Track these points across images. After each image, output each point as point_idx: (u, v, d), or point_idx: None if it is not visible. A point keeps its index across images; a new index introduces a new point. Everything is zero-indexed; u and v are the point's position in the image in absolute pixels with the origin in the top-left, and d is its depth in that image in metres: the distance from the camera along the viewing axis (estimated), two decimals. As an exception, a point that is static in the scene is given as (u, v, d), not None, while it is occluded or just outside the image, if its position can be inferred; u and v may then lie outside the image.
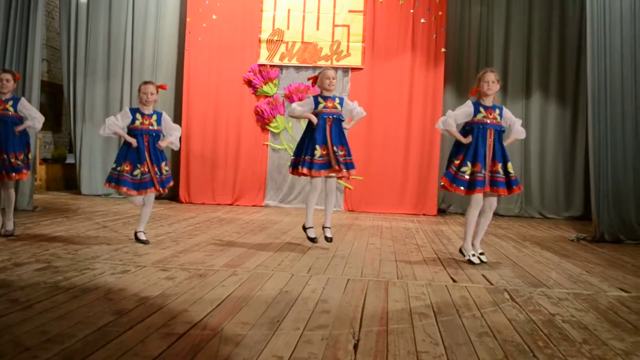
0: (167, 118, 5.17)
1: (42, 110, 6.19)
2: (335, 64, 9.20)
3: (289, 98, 9.28)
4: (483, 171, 4.59)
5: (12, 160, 5.15)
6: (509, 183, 4.64)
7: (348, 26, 9.23)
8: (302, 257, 4.79)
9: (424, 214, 9.00)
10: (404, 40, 9.18)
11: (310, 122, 5.13)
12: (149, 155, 4.98)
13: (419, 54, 9.14)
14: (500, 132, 4.74)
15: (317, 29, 9.27)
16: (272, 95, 9.33)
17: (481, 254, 4.82)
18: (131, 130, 4.98)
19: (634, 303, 3.58)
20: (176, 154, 9.17)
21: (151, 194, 5.09)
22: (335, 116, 5.11)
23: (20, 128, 5.25)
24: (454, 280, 4.07)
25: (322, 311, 3.09)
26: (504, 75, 9.45)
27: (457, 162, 4.65)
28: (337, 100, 5.19)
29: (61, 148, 11.19)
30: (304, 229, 5.37)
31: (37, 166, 9.76)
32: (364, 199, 9.12)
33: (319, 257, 4.83)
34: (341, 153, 5.06)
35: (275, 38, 9.30)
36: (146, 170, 4.92)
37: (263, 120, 9.32)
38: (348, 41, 9.22)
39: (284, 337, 2.62)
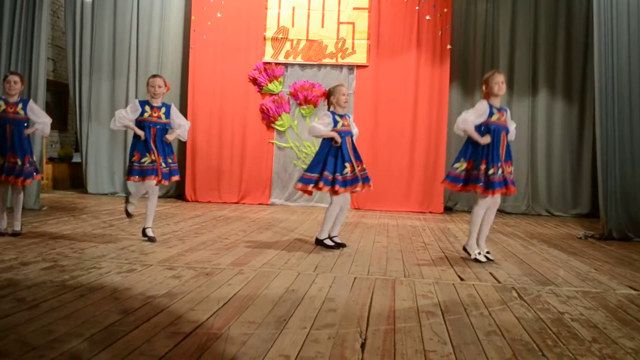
0: (175, 110, 5.25)
1: (48, 109, 6.22)
2: (340, 61, 9.18)
3: (294, 96, 9.27)
4: (500, 172, 4.57)
5: (27, 165, 5.20)
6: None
7: (353, 23, 9.20)
8: (309, 255, 4.78)
9: (430, 212, 8.97)
10: (409, 37, 9.14)
11: (329, 140, 5.06)
12: (156, 146, 5.04)
13: (424, 51, 9.10)
14: (507, 133, 4.75)
15: (322, 26, 9.24)
16: (278, 93, 9.32)
17: (487, 252, 4.80)
18: (139, 122, 5.04)
19: (643, 301, 3.55)
20: (182, 152, 9.18)
21: (155, 187, 5.09)
22: (350, 135, 5.16)
23: (30, 131, 5.30)
24: (462, 279, 4.05)
25: (328, 310, 3.07)
26: (510, 72, 9.40)
27: (483, 167, 4.58)
28: (348, 118, 5.22)
29: (67, 147, 11.21)
30: (320, 241, 5.25)
31: (44, 165, 9.79)
32: (370, 197, 9.08)
33: (326, 255, 4.81)
34: (358, 169, 5.11)
35: (280, 36, 9.29)
36: (153, 159, 4.97)
37: (268, 119, 9.31)
38: (353, 38, 9.19)
39: (290, 336, 2.61)
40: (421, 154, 9.07)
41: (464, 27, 9.57)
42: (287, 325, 2.77)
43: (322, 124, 5.04)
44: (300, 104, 9.29)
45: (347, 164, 5.03)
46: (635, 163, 6.50)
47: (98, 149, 9.87)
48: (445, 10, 9.10)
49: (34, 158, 5.42)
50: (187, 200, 9.30)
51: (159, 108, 5.10)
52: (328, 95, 5.18)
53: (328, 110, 5.19)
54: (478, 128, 4.63)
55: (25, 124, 5.29)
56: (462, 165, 4.65)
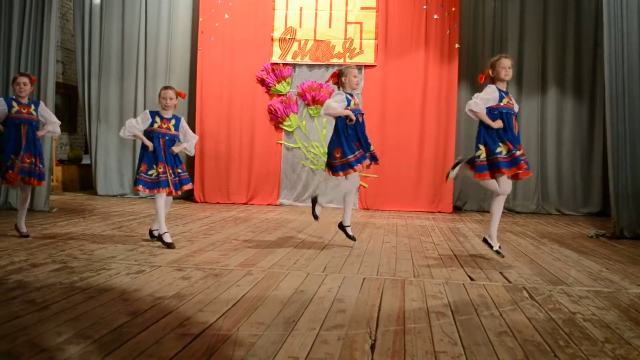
0: (185, 124, 5.24)
1: (57, 111, 6.27)
2: (348, 61, 9.16)
3: (302, 96, 9.26)
4: (515, 152, 4.52)
5: (40, 166, 5.28)
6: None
7: (361, 23, 9.18)
8: (318, 256, 4.77)
9: (439, 212, 8.93)
10: (417, 36, 9.11)
11: (344, 120, 5.06)
12: (165, 157, 5.02)
13: (432, 50, 9.06)
14: (516, 117, 4.72)
15: (330, 26, 9.23)
16: (285, 94, 9.32)
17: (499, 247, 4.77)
18: (148, 133, 5.03)
19: (656, 301, 3.51)
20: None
21: (168, 198, 5.09)
22: (362, 113, 5.19)
23: (43, 133, 5.39)
24: (472, 279, 4.02)
25: (338, 311, 3.06)
26: (519, 71, 9.35)
27: (502, 149, 4.51)
28: (356, 99, 5.23)
29: (77, 149, 11.28)
30: (343, 227, 5.32)
31: (54, 167, 9.84)
32: (379, 197, 9.08)
33: (335, 255, 4.80)
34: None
35: (288, 36, 9.28)
36: (162, 171, 4.95)
37: (276, 119, 9.31)
38: (361, 38, 9.17)
39: (299, 337, 2.59)
40: (430, 153, 9.03)
41: (472, 26, 9.52)
42: (296, 326, 2.76)
43: (336, 101, 5.04)
44: (308, 105, 9.28)
45: (355, 143, 5.05)
46: (646, 161, 6.44)
47: (107, 150, 9.92)
48: (453, 9, 9.06)
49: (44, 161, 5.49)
50: (196, 202, 9.32)
51: (169, 120, 5.09)
52: (338, 76, 5.19)
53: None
54: (490, 113, 4.57)
55: (37, 125, 5.34)
56: (482, 153, 4.58)
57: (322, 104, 9.14)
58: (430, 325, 2.85)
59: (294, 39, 9.27)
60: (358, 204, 9.11)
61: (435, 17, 9.06)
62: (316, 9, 9.26)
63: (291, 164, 9.39)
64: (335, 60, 9.19)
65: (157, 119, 5.05)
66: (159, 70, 9.76)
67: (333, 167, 5.08)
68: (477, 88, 9.22)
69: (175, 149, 5.12)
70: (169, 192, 5.01)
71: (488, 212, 4.81)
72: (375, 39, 9.15)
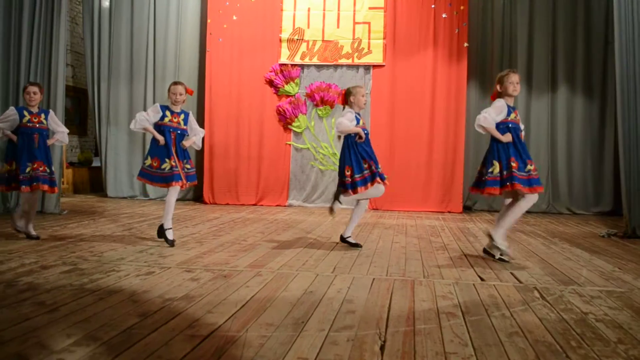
0: (192, 119, 5.33)
1: (67, 114, 6.33)
2: (356, 61, 9.15)
3: (311, 97, 9.26)
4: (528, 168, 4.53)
5: (52, 174, 5.37)
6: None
7: (369, 23, 9.17)
8: (327, 256, 4.76)
9: (449, 212, 8.89)
10: (426, 35, 9.08)
11: (353, 137, 5.07)
12: (176, 151, 5.07)
13: (441, 49, 9.03)
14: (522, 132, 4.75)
15: (338, 26, 9.22)
16: (294, 95, 9.32)
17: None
18: (159, 126, 5.08)
19: (670, 300, 3.46)
20: (200, 155, 9.23)
21: (177, 188, 5.12)
22: (367, 132, 5.23)
23: (52, 141, 5.50)
24: (482, 279, 3.99)
25: (347, 311, 3.05)
26: (529, 69, 9.30)
27: (514, 164, 4.49)
28: (363, 119, 5.29)
29: (87, 152, 11.34)
30: (346, 239, 5.34)
31: (64, 170, 9.91)
32: (388, 197, 9.01)
33: (344, 256, 4.79)
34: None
35: (296, 37, 9.28)
36: (174, 164, 4.99)
37: (285, 120, 9.31)
38: (369, 38, 9.16)
39: (309, 338, 2.58)
40: (439, 153, 9.00)
41: (481, 25, 9.48)
42: (306, 327, 2.75)
43: (349, 120, 5.06)
44: (316, 105, 9.27)
45: (367, 161, 5.06)
46: (659, 159, 6.36)
47: (117, 153, 9.97)
48: (461, 7, 9.02)
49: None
50: (205, 203, 9.33)
51: (179, 114, 5.17)
52: (346, 95, 5.20)
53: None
54: (497, 128, 4.57)
55: (47, 134, 5.43)
56: (495, 168, 4.57)
57: (330, 104, 9.16)
58: (441, 326, 2.83)
59: (302, 39, 9.27)
60: (367, 205, 9.07)
61: (444, 16, 9.02)
62: (324, 10, 9.25)
63: (300, 165, 9.39)
64: (343, 61, 9.18)
65: (168, 113, 5.12)
66: (168, 72, 9.80)
67: (347, 184, 5.07)
68: (486, 87, 9.23)
69: (186, 143, 5.18)
70: (182, 185, 5.05)
71: (498, 211, 4.78)
72: (384, 38, 9.13)
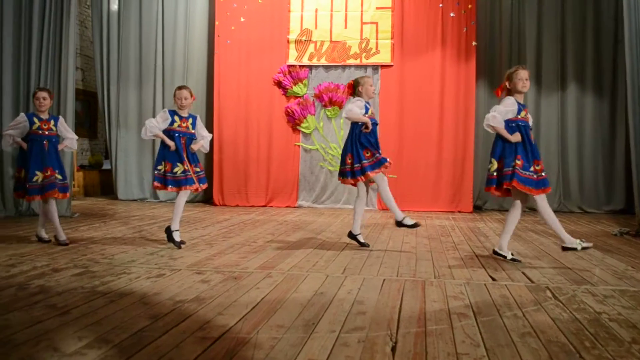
0: (200, 123, 5.34)
1: (77, 117, 6.37)
2: (364, 61, 9.14)
3: (319, 97, 9.26)
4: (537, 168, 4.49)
5: (64, 179, 5.38)
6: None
7: (376, 23, 9.15)
8: (337, 257, 4.75)
9: (459, 211, 8.86)
10: (434, 35, 9.05)
11: (360, 126, 5.07)
12: (187, 155, 5.09)
13: (449, 48, 9.00)
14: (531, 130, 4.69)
15: (345, 27, 9.21)
16: (302, 96, 9.32)
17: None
18: (169, 132, 5.10)
19: (684, 299, 3.42)
20: (209, 157, 9.25)
21: (187, 192, 5.14)
22: (376, 123, 5.23)
23: (61, 147, 5.51)
24: (494, 279, 3.96)
25: (358, 313, 3.03)
26: (538, 68, 9.24)
27: (519, 162, 4.46)
28: (372, 108, 5.28)
29: (97, 155, 11.41)
30: (354, 236, 5.32)
31: (75, 173, 9.96)
32: (398, 197, 8.88)
33: (354, 257, 4.77)
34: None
35: (304, 38, 9.29)
36: (186, 168, 5.03)
37: (294, 121, 9.31)
38: (377, 38, 9.14)
39: (319, 340, 2.57)
40: (449, 152, 8.96)
41: (489, 23, 9.44)
42: (316, 329, 2.74)
43: (359, 107, 5.06)
44: (325, 106, 9.27)
45: (369, 150, 5.07)
46: (671, 157, 6.30)
47: (127, 155, 10.02)
48: (469, 6, 8.98)
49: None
50: (215, 205, 9.36)
51: (187, 118, 5.19)
52: (354, 85, 5.20)
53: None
54: (507, 126, 4.51)
55: (57, 140, 5.45)
56: (493, 166, 4.54)
57: (339, 105, 9.16)
58: (452, 327, 2.81)
59: (310, 40, 9.27)
60: (377, 205, 9.07)
61: (452, 15, 8.99)
62: (331, 10, 9.25)
63: (309, 166, 9.39)
64: (351, 61, 9.18)
65: (177, 118, 5.14)
66: (177, 74, 9.84)
67: (347, 172, 5.10)
68: (496, 85, 9.16)
69: (194, 146, 5.21)
70: (195, 189, 5.08)
71: (508, 211, 4.73)
72: (392, 38, 9.11)
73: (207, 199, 9.72)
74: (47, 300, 3.16)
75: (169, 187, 5.06)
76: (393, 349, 2.48)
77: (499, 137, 4.55)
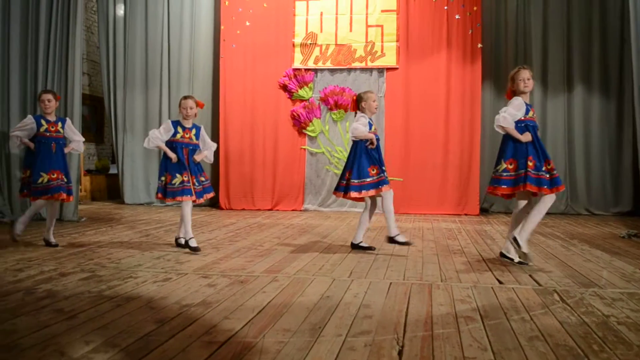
0: (204, 133, 5.33)
1: (84, 122, 6.39)
2: (369, 64, 9.14)
3: (325, 101, 9.26)
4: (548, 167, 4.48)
5: (69, 182, 5.42)
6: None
7: (382, 26, 9.15)
8: (343, 261, 4.74)
9: (465, 214, 8.83)
10: (439, 37, 9.04)
11: (364, 143, 5.08)
12: (189, 166, 5.09)
13: (454, 50, 8.98)
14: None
15: (351, 30, 9.22)
16: (308, 99, 9.33)
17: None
18: (171, 143, 5.11)
19: (694, 302, 3.39)
20: (215, 161, 9.22)
21: (189, 203, 5.13)
22: (378, 138, 5.23)
23: (68, 150, 5.52)
24: (500, 282, 3.95)
25: (364, 316, 3.03)
26: (544, 69, 9.21)
27: (531, 163, 4.42)
28: (375, 124, 5.31)
29: (104, 159, 11.46)
30: (358, 244, 5.34)
31: (82, 177, 10.01)
32: (404, 200, 8.99)
33: (360, 260, 4.76)
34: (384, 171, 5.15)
35: (309, 42, 9.30)
36: (186, 179, 5.01)
37: (300, 125, 9.32)
38: (382, 41, 9.14)
39: (326, 344, 2.57)
40: (455, 155, 8.94)
41: (494, 25, 9.42)
42: (323, 333, 2.73)
43: (363, 125, 5.07)
44: (331, 109, 9.27)
45: (374, 167, 5.06)
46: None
47: (133, 160, 10.04)
48: (474, 8, 8.97)
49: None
50: (221, 209, 9.37)
51: (190, 129, 5.18)
52: (357, 101, 5.21)
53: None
54: (517, 126, 4.50)
55: (64, 143, 5.47)
56: (502, 167, 4.53)
57: (344, 108, 9.16)
58: (459, 330, 2.79)
59: (315, 44, 9.28)
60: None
61: (457, 17, 8.98)
62: (336, 13, 9.25)
63: (315, 169, 9.38)
64: (357, 64, 9.18)
65: (180, 129, 5.13)
66: (183, 79, 9.86)
67: (341, 187, 5.15)
68: (501, 88, 9.16)
69: (197, 157, 5.20)
70: (193, 200, 5.08)
71: (531, 210, 4.67)
72: (397, 41, 9.11)
73: (213, 202, 9.73)
74: (54, 305, 3.17)
75: (168, 199, 5.08)
76: (400, 353, 2.47)
77: (508, 138, 4.54)
